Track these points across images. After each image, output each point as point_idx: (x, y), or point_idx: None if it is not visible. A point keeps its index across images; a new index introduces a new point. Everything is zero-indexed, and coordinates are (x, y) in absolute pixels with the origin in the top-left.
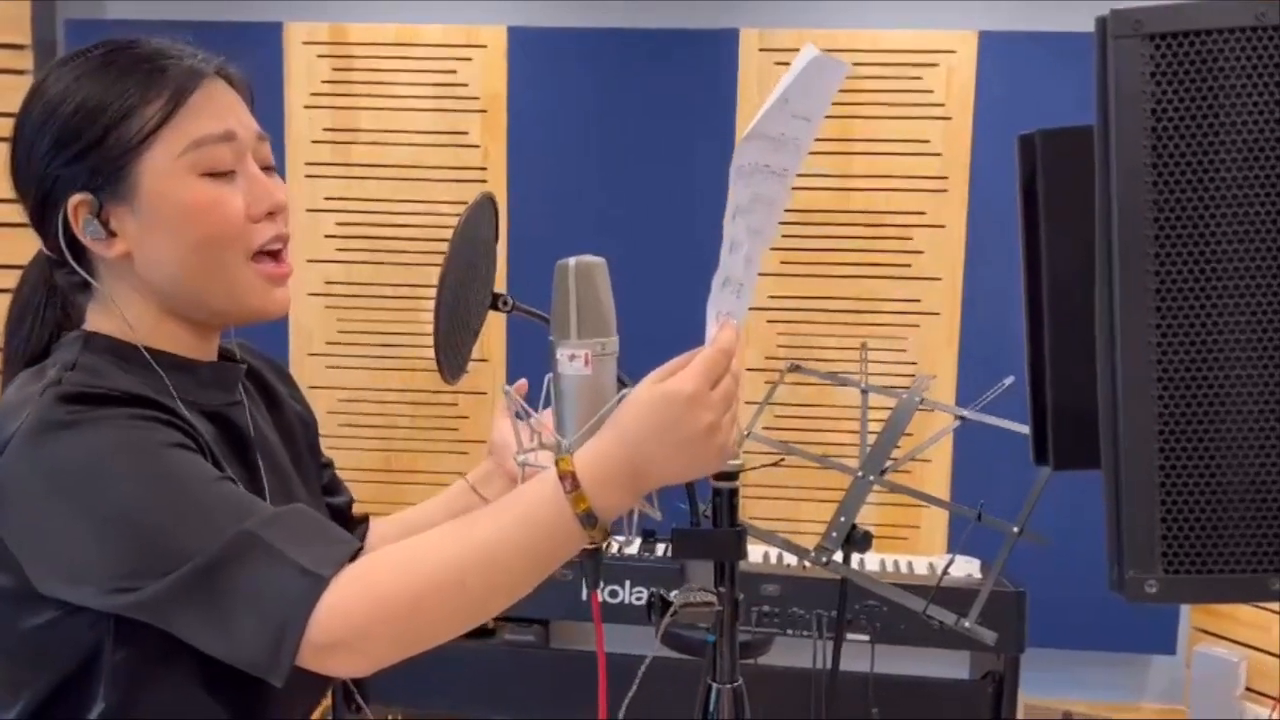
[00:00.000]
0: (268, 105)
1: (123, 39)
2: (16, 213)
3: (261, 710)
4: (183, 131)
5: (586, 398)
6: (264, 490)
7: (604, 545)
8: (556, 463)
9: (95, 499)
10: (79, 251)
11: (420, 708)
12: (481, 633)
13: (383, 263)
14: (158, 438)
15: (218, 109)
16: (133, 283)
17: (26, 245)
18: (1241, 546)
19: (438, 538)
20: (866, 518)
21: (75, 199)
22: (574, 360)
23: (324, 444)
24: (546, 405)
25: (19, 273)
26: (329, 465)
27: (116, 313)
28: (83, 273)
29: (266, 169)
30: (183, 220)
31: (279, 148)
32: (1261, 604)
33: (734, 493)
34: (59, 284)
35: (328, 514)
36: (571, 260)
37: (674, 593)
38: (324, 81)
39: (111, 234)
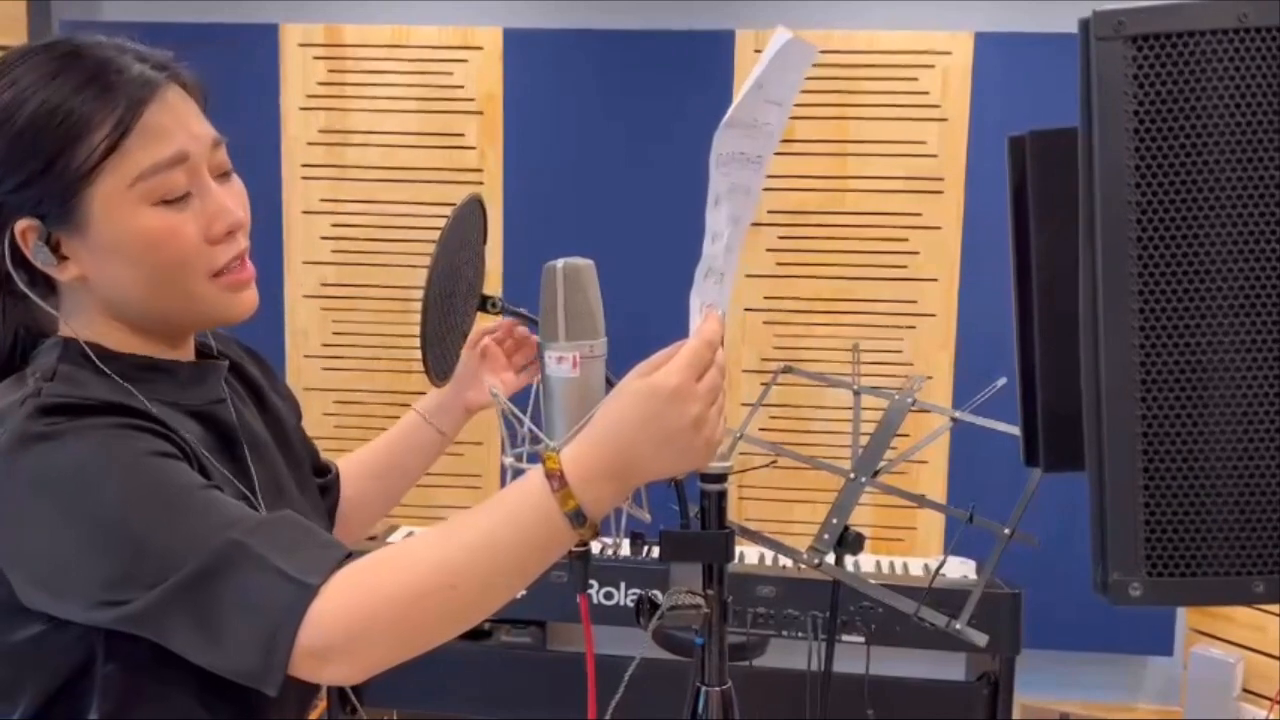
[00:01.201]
0: (263, 107)
1: (66, 44)
2: None
3: (255, 718)
4: (132, 160)
5: (574, 399)
6: (254, 486)
7: (591, 547)
8: (543, 461)
9: (79, 511)
10: (31, 267)
11: (416, 709)
12: (478, 634)
13: (378, 264)
14: (141, 447)
15: (169, 126)
16: (90, 300)
17: None
18: (1225, 549)
19: (426, 541)
20: (863, 519)
21: (22, 225)
22: (562, 362)
23: (319, 445)
24: (536, 407)
25: None
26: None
27: (79, 325)
28: (35, 297)
29: (224, 175)
30: (137, 251)
31: (274, 149)
32: (1257, 605)
33: (723, 495)
34: (19, 288)
35: (320, 503)
36: (559, 262)
37: (662, 594)
38: (319, 83)
39: (63, 258)
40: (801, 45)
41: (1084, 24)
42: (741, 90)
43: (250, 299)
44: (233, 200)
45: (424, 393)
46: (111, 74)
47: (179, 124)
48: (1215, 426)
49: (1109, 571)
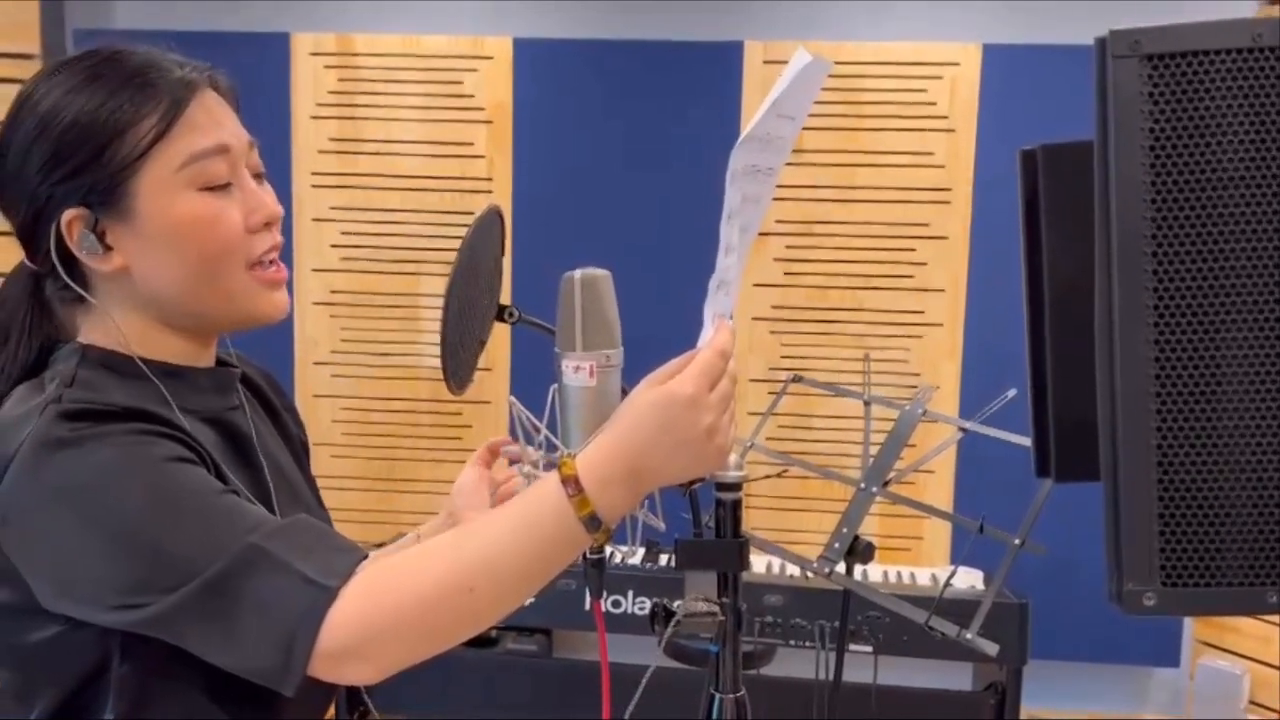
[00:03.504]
0: (274, 115)
1: (109, 49)
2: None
3: (270, 718)
4: (178, 147)
5: (591, 408)
6: (269, 492)
7: (608, 554)
8: (559, 467)
9: (100, 516)
10: (70, 264)
11: (422, 714)
12: (484, 641)
13: (387, 272)
14: (160, 453)
15: (211, 121)
16: (128, 294)
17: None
18: (1239, 559)
19: (443, 545)
20: (869, 528)
21: (70, 214)
22: (579, 371)
23: (327, 452)
24: (551, 416)
25: None
26: None
27: (111, 324)
28: (76, 287)
29: (257, 176)
30: (183, 235)
31: (285, 158)
32: (1264, 616)
33: (737, 503)
34: (48, 297)
35: (329, 519)
36: (577, 272)
37: (677, 603)
38: (330, 92)
39: (107, 248)
40: (819, 63)
41: (1100, 42)
42: (760, 109)
43: (283, 299)
44: (269, 196)
45: (431, 401)
46: (154, 73)
47: (219, 121)
48: (1230, 438)
49: (1124, 581)
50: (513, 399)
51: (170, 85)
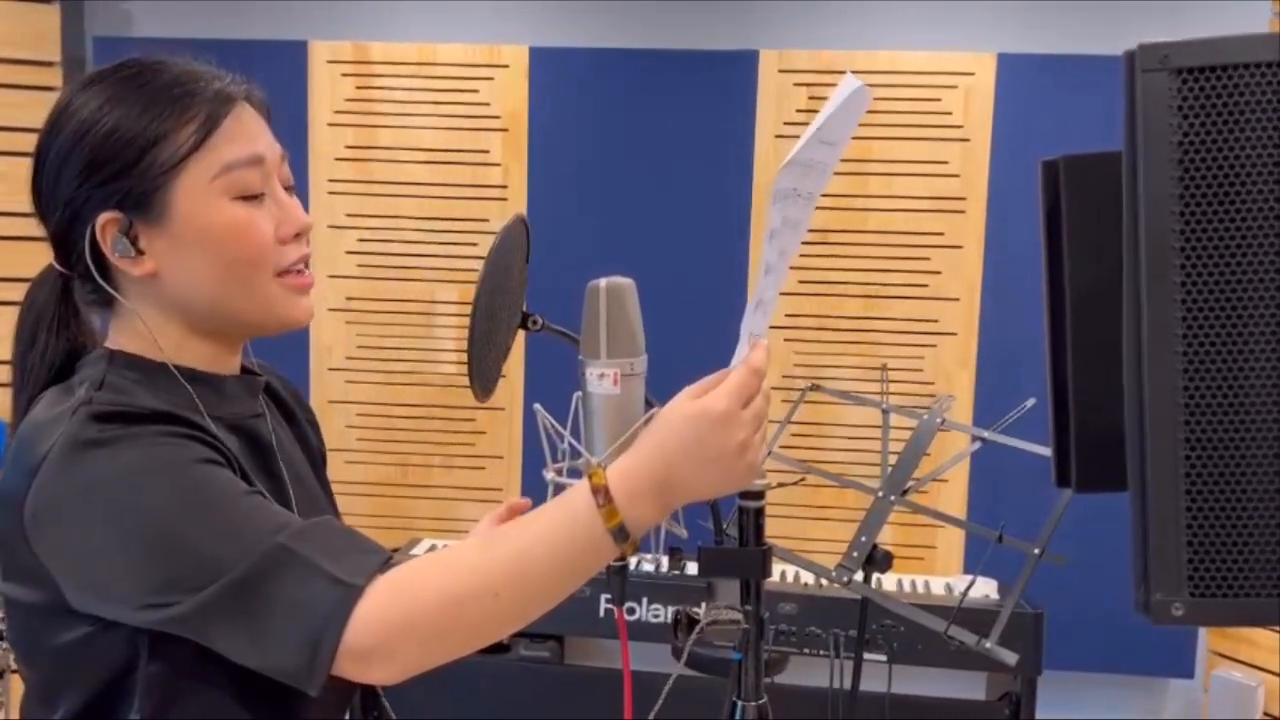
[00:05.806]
0: (291, 122)
1: (147, 60)
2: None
3: (293, 718)
4: (215, 156)
5: (615, 416)
6: (290, 499)
7: (629, 562)
8: (589, 476)
9: (129, 516)
10: (102, 268)
11: None
12: (496, 648)
13: (402, 279)
14: (188, 454)
15: (247, 133)
16: (158, 299)
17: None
18: (1268, 570)
19: (470, 548)
20: (882, 537)
21: (104, 217)
22: (603, 379)
23: (341, 458)
24: (574, 423)
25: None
26: None
27: (141, 329)
28: (109, 289)
29: (288, 188)
30: (215, 242)
31: (302, 164)
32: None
33: (760, 511)
34: (76, 301)
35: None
36: (602, 281)
37: (693, 610)
38: (347, 100)
39: (140, 252)
40: (863, 91)
41: (1129, 56)
42: (805, 134)
43: (309, 305)
44: (299, 208)
45: (445, 407)
46: (193, 84)
47: (254, 133)
48: (1258, 449)
49: (1151, 591)
50: (538, 407)
51: (208, 97)
